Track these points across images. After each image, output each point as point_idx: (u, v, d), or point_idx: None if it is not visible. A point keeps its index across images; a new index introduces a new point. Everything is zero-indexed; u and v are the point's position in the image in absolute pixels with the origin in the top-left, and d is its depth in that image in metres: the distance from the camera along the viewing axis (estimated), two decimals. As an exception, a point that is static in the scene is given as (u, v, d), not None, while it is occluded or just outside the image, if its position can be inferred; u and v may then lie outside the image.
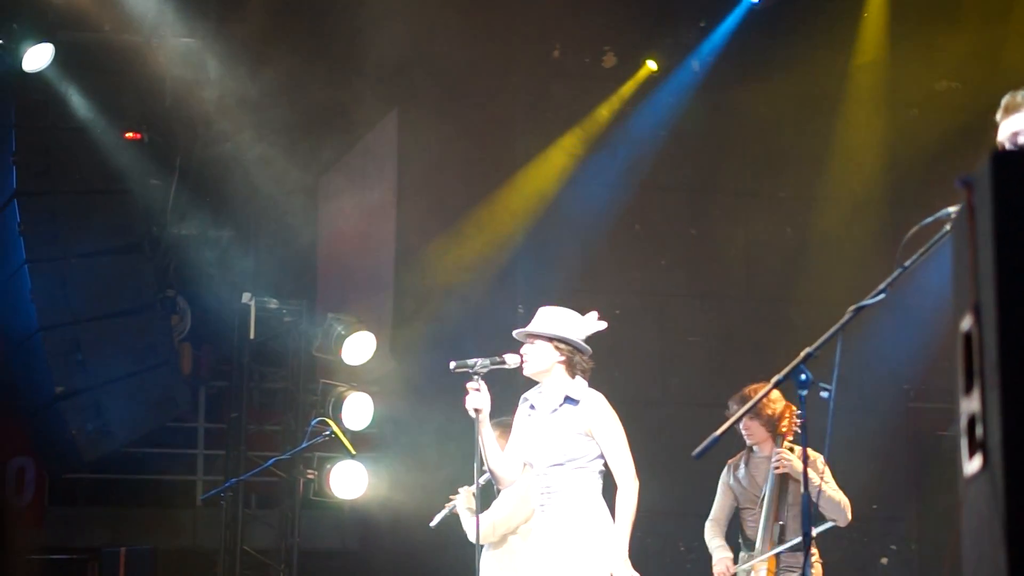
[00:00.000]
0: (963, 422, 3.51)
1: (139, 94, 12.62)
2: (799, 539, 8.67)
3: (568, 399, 7.50)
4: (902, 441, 12.77)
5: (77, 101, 12.09)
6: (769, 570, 8.62)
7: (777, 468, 8.67)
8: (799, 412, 8.35)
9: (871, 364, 12.25)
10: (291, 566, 12.41)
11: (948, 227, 5.08)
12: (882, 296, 5.37)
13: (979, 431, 3.38)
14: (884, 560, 12.28)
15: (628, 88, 12.86)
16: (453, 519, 8.95)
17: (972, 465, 3.46)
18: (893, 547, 12.33)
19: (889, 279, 5.33)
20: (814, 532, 8.71)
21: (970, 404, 3.45)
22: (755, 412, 8.78)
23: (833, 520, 8.79)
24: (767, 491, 8.71)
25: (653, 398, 12.45)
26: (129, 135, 12.76)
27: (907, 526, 12.62)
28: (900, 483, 12.65)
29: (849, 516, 8.78)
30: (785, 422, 8.79)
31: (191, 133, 13.19)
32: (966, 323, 3.48)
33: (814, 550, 8.72)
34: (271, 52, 12.35)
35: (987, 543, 3.34)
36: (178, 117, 13.01)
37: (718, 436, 5.60)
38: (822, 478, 8.64)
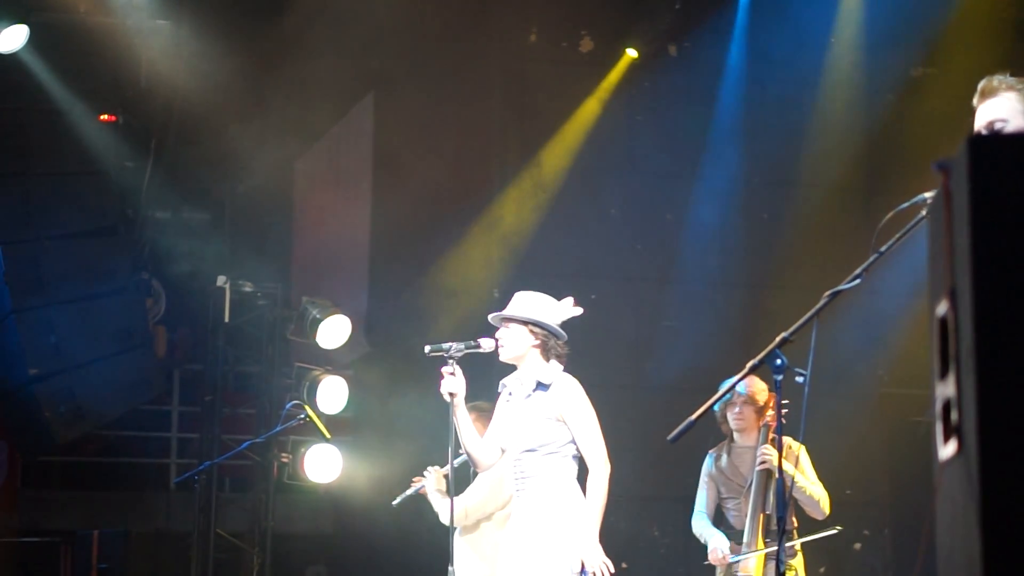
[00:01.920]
0: (938, 407, 3.51)
1: (114, 76, 12.57)
2: (795, 541, 8.72)
3: (540, 384, 7.51)
4: (876, 426, 12.80)
5: (51, 83, 12.03)
6: (758, 562, 8.61)
7: (762, 464, 8.66)
8: (784, 401, 8.39)
9: (846, 349, 12.28)
10: (265, 549, 12.39)
11: (924, 212, 5.08)
12: (858, 281, 5.38)
13: (954, 416, 3.38)
14: (857, 545, 12.32)
15: (607, 73, 12.86)
16: (419, 500, 8.94)
17: (947, 450, 3.46)
18: (866, 532, 12.36)
19: (865, 264, 5.34)
20: (815, 536, 8.74)
21: (945, 389, 3.46)
22: (750, 399, 8.76)
23: (810, 513, 8.81)
24: (753, 483, 8.69)
25: (627, 382, 12.45)
26: (104, 117, 12.71)
27: (880, 512, 12.66)
28: (873, 468, 12.68)
29: (827, 511, 8.78)
30: (770, 412, 8.77)
31: (166, 115, 13.15)
32: (942, 308, 3.48)
33: (795, 538, 8.75)
34: (246, 35, 12.31)
35: (961, 528, 3.35)
36: (153, 99, 12.97)
37: (693, 421, 5.60)
38: (798, 468, 8.64)
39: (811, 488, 8.70)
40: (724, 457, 9.01)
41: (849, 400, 12.46)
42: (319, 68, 12.48)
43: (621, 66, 12.83)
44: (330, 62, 12.41)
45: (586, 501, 7.43)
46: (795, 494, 8.63)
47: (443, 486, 8.80)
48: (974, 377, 3.23)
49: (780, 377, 5.60)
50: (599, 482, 7.42)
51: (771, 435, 8.71)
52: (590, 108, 12.75)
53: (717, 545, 8.78)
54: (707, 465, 9.13)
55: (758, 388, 8.76)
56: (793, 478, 8.52)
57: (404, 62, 12.54)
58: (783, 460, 8.52)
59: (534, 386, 7.52)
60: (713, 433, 9.12)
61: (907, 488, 12.16)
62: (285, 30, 12.46)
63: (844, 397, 12.39)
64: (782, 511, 5.71)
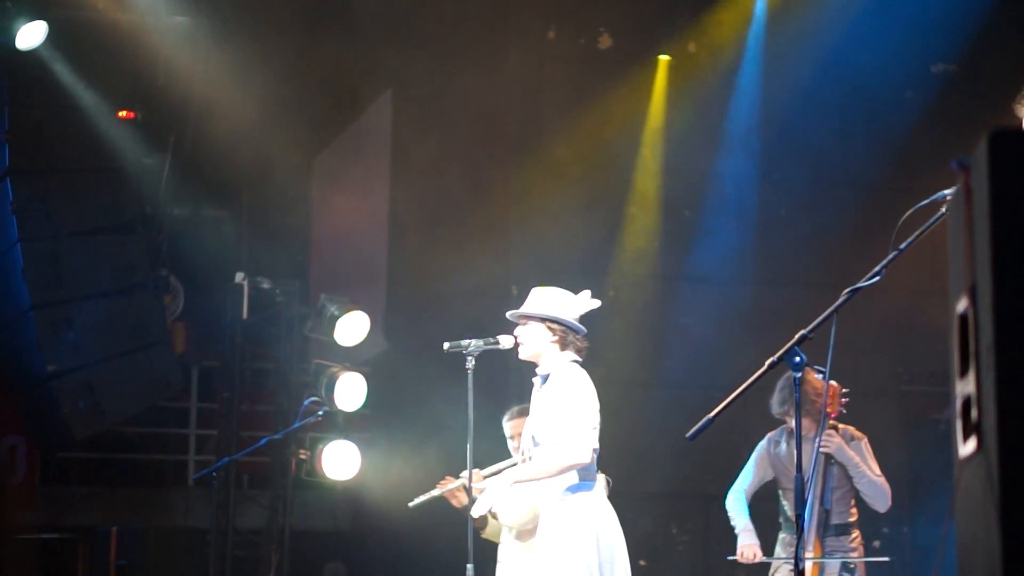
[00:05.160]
0: (958, 404, 3.50)
1: (132, 73, 12.57)
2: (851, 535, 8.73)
3: (543, 377, 7.46)
4: (895, 424, 12.77)
5: (70, 79, 12.03)
6: (815, 553, 8.59)
7: (825, 448, 8.63)
8: (845, 391, 8.40)
9: (865, 346, 12.25)
10: (283, 546, 12.39)
11: (944, 209, 5.08)
12: (878, 278, 5.38)
13: (974, 413, 3.37)
14: (877, 543, 12.29)
15: (625, 70, 12.84)
16: (439, 505, 8.90)
17: (966, 448, 3.45)
18: (885, 530, 12.33)
19: (884, 261, 5.34)
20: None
21: (965, 386, 3.44)
22: (806, 410, 8.56)
23: (872, 504, 8.82)
24: (812, 474, 8.61)
25: (646, 380, 12.44)
26: (122, 114, 12.72)
27: (900, 509, 12.63)
28: (893, 466, 12.63)
29: (889, 502, 8.80)
30: (830, 404, 8.71)
31: (184, 112, 13.16)
32: (962, 305, 3.46)
33: (855, 532, 8.76)
34: (265, 33, 12.33)
35: (981, 525, 3.33)
36: (171, 96, 12.98)
37: (711, 418, 5.60)
38: (868, 460, 8.69)
39: (873, 476, 8.69)
40: (783, 444, 8.93)
41: (868, 397, 12.44)
42: (337, 65, 12.47)
43: (660, 73, 12.81)
44: (348, 59, 12.41)
45: (535, 459, 7.31)
46: (857, 484, 8.66)
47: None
48: (994, 374, 3.22)
49: (799, 374, 5.60)
50: (559, 455, 7.22)
51: (831, 422, 8.70)
52: (609, 105, 12.73)
53: (749, 544, 8.73)
54: (762, 448, 9.03)
55: (812, 390, 8.59)
56: (863, 470, 8.57)
57: (422, 59, 12.54)
58: (848, 448, 8.59)
59: (542, 380, 7.48)
60: (733, 431, 9.09)
61: (927, 486, 12.13)
62: (303, 26, 12.47)
63: (863, 394, 12.36)
64: (800, 508, 5.70)
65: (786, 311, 11.86)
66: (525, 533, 8.58)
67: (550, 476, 7.26)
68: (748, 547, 8.81)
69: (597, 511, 7.31)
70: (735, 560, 8.93)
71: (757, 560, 8.79)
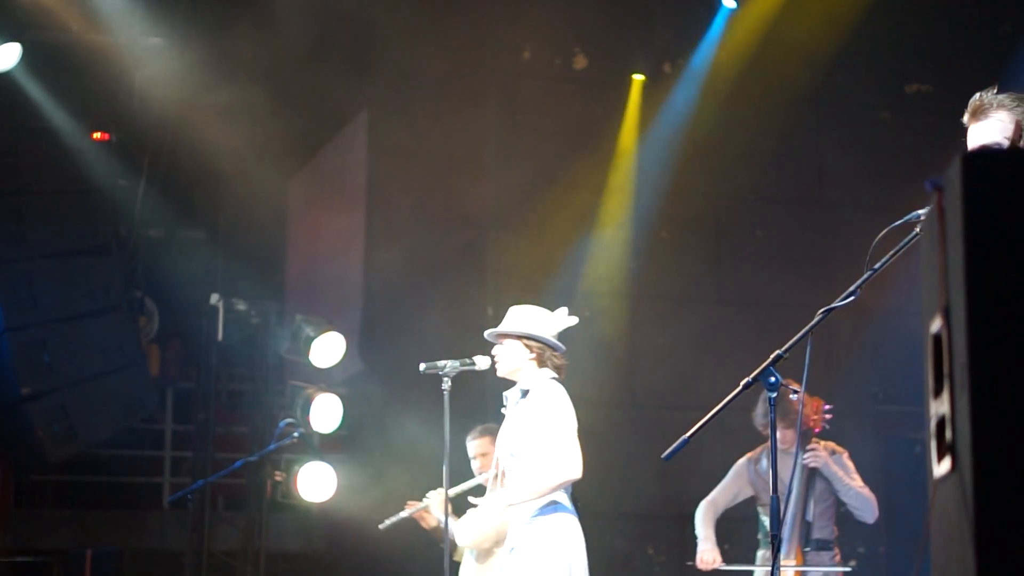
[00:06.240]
0: (932, 425, 3.51)
1: (107, 94, 12.58)
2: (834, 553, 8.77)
3: (523, 392, 7.44)
4: (870, 444, 12.78)
5: (45, 101, 12.03)
6: (796, 570, 8.61)
7: (810, 463, 8.68)
8: (827, 407, 8.46)
9: (840, 365, 12.27)
10: (258, 568, 12.35)
11: (918, 229, 5.09)
12: (852, 298, 5.39)
13: (948, 434, 3.38)
14: (853, 563, 12.30)
15: (601, 91, 12.86)
16: (412, 525, 8.90)
17: (941, 468, 3.45)
18: (861, 550, 12.34)
19: (859, 281, 5.35)
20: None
21: (939, 407, 3.45)
22: (790, 422, 8.60)
23: (860, 516, 8.86)
24: (794, 489, 8.63)
25: (622, 400, 12.44)
26: (97, 135, 12.71)
27: (875, 529, 12.64)
28: (868, 486, 12.65)
29: (876, 512, 8.84)
30: (813, 419, 8.77)
31: (159, 134, 13.15)
32: (935, 325, 3.47)
33: (835, 549, 8.80)
34: (240, 53, 12.32)
35: (956, 545, 3.33)
36: (146, 118, 12.97)
37: (687, 438, 5.59)
38: (852, 473, 8.74)
39: (858, 488, 8.74)
40: (763, 461, 8.95)
41: (843, 417, 12.45)
42: (312, 86, 12.46)
43: (634, 93, 12.83)
44: (324, 80, 12.40)
45: (526, 478, 7.23)
46: (844, 497, 8.70)
47: (450, 508, 8.74)
48: (968, 395, 3.23)
49: (774, 395, 5.59)
50: (552, 473, 7.14)
51: (813, 438, 8.76)
52: (583, 124, 12.74)
53: (707, 548, 8.80)
54: (740, 465, 9.07)
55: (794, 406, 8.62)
56: (848, 483, 8.61)
57: (398, 79, 12.54)
58: (832, 462, 8.65)
59: (520, 395, 7.45)
60: (708, 450, 9.09)
61: (902, 506, 12.15)
62: (279, 48, 12.47)
63: (838, 414, 12.36)
64: (776, 528, 5.69)
65: (761, 331, 11.87)
66: (483, 554, 8.58)
67: (543, 495, 7.20)
68: (707, 551, 8.86)
69: (569, 534, 7.27)
70: (692, 566, 8.98)
71: (716, 565, 8.82)
